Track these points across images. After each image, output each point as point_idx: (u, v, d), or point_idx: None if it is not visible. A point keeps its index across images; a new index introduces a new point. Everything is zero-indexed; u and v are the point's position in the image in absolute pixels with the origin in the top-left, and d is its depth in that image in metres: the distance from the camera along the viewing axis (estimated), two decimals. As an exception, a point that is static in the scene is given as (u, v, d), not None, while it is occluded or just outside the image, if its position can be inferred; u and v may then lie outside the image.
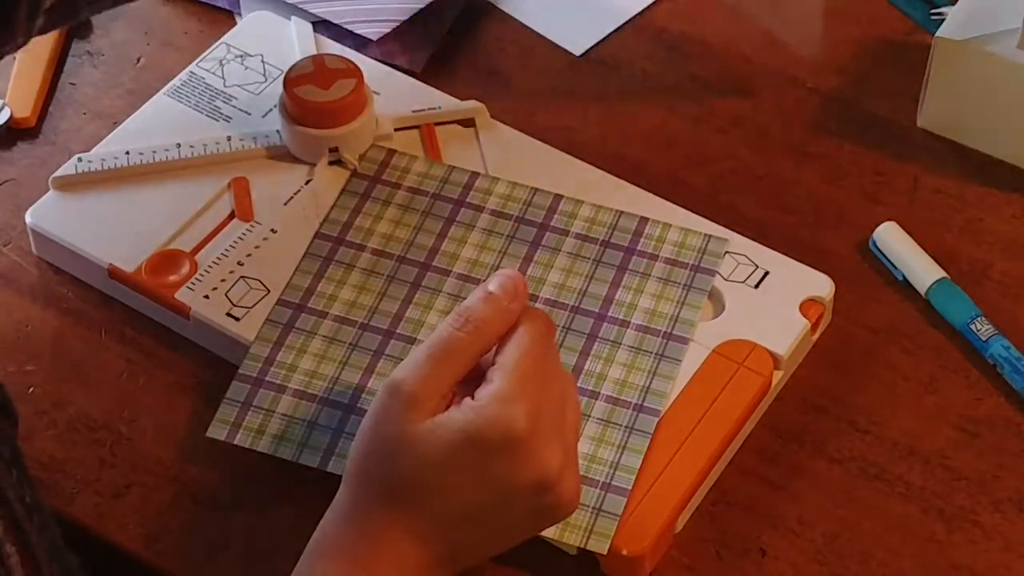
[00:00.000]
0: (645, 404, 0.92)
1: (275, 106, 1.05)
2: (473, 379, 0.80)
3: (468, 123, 1.06)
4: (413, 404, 0.78)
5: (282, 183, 1.03)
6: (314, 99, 1.02)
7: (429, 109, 1.06)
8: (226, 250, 1.00)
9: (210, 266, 0.99)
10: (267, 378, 0.93)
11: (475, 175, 1.03)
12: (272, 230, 1.01)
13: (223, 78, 1.08)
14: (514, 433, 0.77)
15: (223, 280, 0.98)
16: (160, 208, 1.02)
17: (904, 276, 1.01)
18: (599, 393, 0.92)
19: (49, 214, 1.02)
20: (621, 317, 0.96)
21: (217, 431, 0.91)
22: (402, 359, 0.93)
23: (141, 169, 1.04)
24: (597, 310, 0.96)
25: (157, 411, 0.96)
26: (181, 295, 0.98)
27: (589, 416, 0.91)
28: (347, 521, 0.79)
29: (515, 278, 0.82)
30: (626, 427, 0.91)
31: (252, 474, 0.93)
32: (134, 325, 1.00)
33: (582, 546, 0.87)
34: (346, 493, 0.81)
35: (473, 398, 0.79)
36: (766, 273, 0.98)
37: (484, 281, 0.83)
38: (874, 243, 1.02)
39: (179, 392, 0.97)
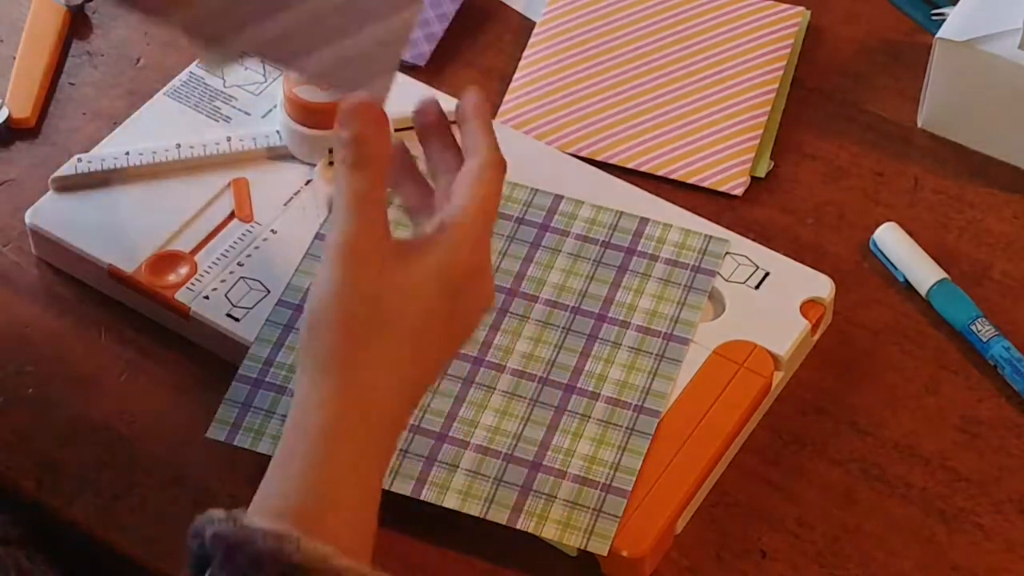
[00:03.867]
0: (645, 405, 0.92)
1: (275, 106, 1.05)
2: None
3: (468, 123, 1.06)
4: (373, 253, 0.77)
5: (282, 183, 1.03)
6: (314, 99, 1.02)
7: (429, 109, 1.06)
8: (226, 250, 1.00)
9: (210, 266, 0.99)
10: (267, 379, 0.93)
11: (475, 175, 1.03)
12: (272, 230, 1.01)
13: (223, 78, 1.08)
14: (484, 263, 0.81)
15: (223, 280, 0.98)
16: (160, 208, 1.02)
17: (904, 277, 1.01)
18: (599, 394, 0.92)
19: (49, 214, 1.02)
20: (621, 318, 0.96)
21: (217, 432, 0.91)
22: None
23: (141, 169, 1.04)
24: (597, 311, 0.96)
25: (157, 411, 0.96)
26: (181, 295, 0.98)
27: (589, 417, 0.91)
28: (328, 395, 0.75)
29: (359, 105, 0.79)
30: (626, 428, 0.91)
31: (252, 475, 0.92)
32: (134, 325, 1.00)
33: (582, 547, 0.87)
34: (319, 371, 0.76)
35: (441, 230, 0.79)
36: (766, 274, 0.98)
37: (338, 127, 0.80)
38: (874, 244, 1.02)
39: (179, 392, 0.97)
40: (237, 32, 0.78)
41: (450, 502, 0.88)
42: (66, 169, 1.03)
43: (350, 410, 0.75)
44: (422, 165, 0.88)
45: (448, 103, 1.06)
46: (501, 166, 0.83)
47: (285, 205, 1.02)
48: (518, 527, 0.88)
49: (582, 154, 1.07)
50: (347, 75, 0.79)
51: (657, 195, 1.02)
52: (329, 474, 0.74)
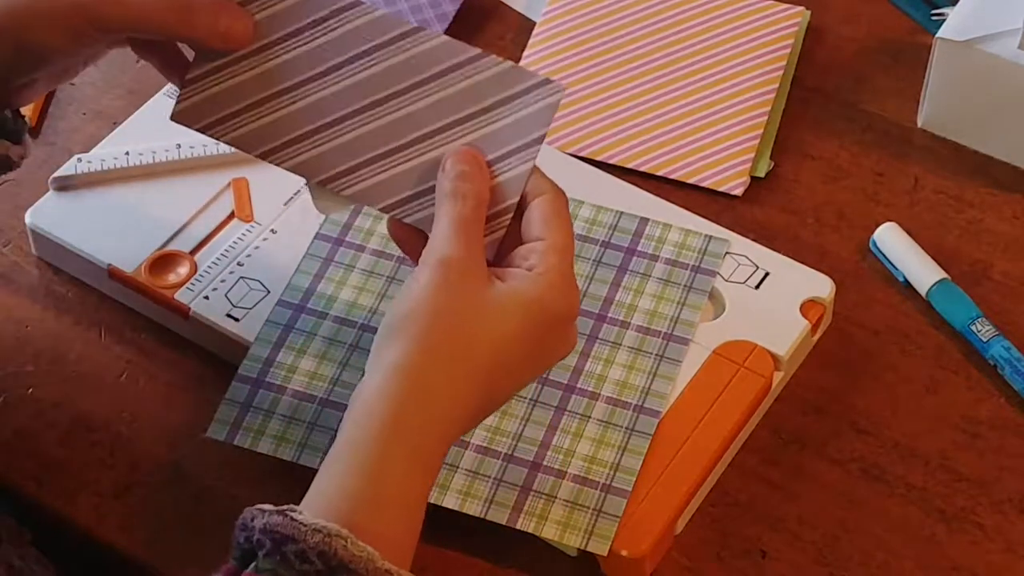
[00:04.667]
0: (645, 405, 0.92)
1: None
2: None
3: (468, 123, 1.06)
4: (469, 273, 0.79)
5: (282, 183, 1.03)
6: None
7: (429, 109, 1.06)
8: (226, 250, 1.00)
9: (210, 266, 0.99)
10: (267, 379, 0.93)
11: (475, 175, 1.03)
12: (272, 230, 1.01)
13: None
14: (573, 308, 0.81)
15: (223, 280, 0.98)
16: (160, 208, 1.02)
17: (904, 277, 1.01)
18: (599, 394, 0.92)
19: (49, 214, 1.02)
20: (621, 318, 0.96)
21: (217, 431, 0.91)
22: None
23: (141, 169, 1.04)
24: (597, 311, 0.96)
25: (157, 411, 0.96)
26: (181, 295, 0.98)
27: (589, 417, 0.91)
28: (400, 404, 0.76)
29: (466, 152, 0.83)
30: (626, 428, 0.91)
31: (252, 474, 0.93)
32: (134, 325, 1.00)
33: (582, 547, 0.87)
34: (396, 377, 0.77)
35: (530, 270, 0.80)
36: (766, 274, 0.98)
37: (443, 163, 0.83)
38: (874, 244, 1.02)
39: (179, 392, 0.97)
40: (349, 178, 0.86)
41: (450, 502, 0.88)
42: (66, 169, 1.03)
43: (412, 415, 0.76)
44: None
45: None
46: (566, 198, 0.84)
47: (285, 205, 1.02)
48: (518, 527, 0.88)
49: (582, 154, 1.07)
50: None
51: (657, 195, 1.02)
52: (382, 474, 0.74)
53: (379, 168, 0.85)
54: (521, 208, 0.83)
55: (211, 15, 0.86)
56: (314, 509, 0.73)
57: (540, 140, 0.83)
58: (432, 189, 0.83)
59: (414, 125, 0.85)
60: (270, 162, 0.86)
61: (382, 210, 0.85)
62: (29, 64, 0.87)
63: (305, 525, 0.71)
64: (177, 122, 0.88)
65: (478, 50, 0.84)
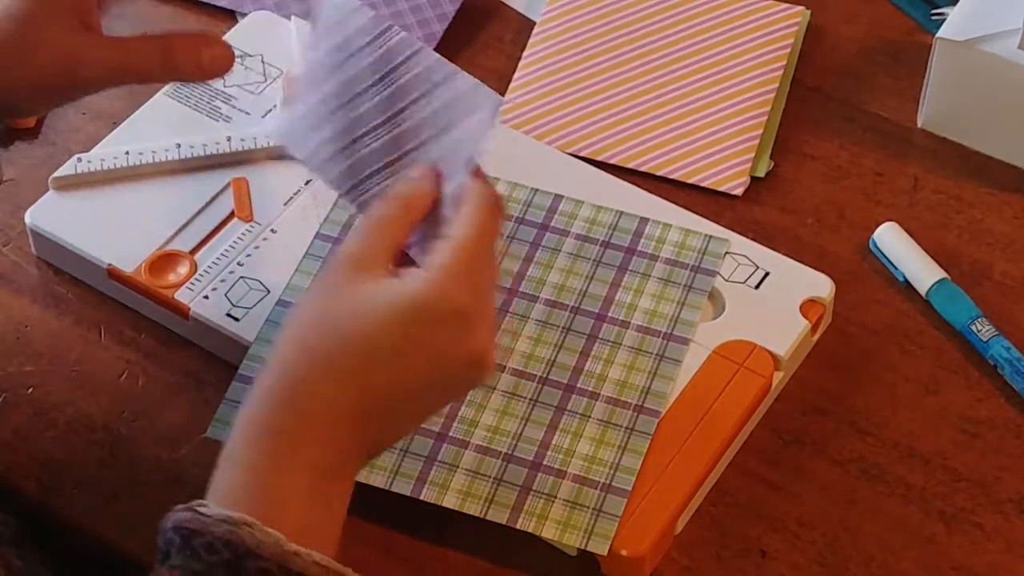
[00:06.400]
0: (645, 405, 0.92)
1: (275, 106, 1.05)
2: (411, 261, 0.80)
3: (468, 123, 1.06)
4: (358, 264, 0.77)
5: (282, 183, 1.03)
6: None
7: (429, 109, 1.06)
8: (226, 250, 1.00)
9: (210, 266, 0.99)
10: (267, 379, 0.93)
11: (475, 175, 1.03)
12: (272, 230, 1.01)
13: (223, 78, 1.08)
14: (460, 307, 0.76)
15: (223, 280, 0.98)
16: (160, 208, 1.02)
17: (904, 277, 1.01)
18: (599, 394, 0.92)
19: (49, 214, 1.02)
20: (621, 318, 0.96)
21: (217, 431, 0.91)
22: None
23: (141, 169, 1.04)
24: (597, 311, 0.96)
25: (157, 411, 0.96)
26: (181, 295, 0.98)
27: (589, 417, 0.91)
28: (277, 400, 0.76)
29: (431, 169, 0.82)
30: (626, 428, 0.91)
31: (252, 475, 0.93)
32: (134, 325, 1.00)
33: (582, 547, 0.87)
34: (278, 370, 0.77)
35: (427, 264, 0.77)
36: (766, 274, 0.98)
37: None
38: (874, 243, 1.02)
39: (179, 392, 0.97)
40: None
41: (450, 502, 0.88)
42: (66, 169, 1.03)
43: (285, 412, 0.76)
44: None
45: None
46: (492, 195, 0.81)
47: (285, 205, 1.02)
48: (518, 527, 0.88)
49: (582, 154, 1.07)
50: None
51: (657, 195, 1.02)
52: (269, 469, 0.75)
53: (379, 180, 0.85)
54: None
55: (192, 51, 0.85)
56: (219, 502, 0.74)
57: (484, 150, 0.81)
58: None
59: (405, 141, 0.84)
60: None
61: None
62: (6, 116, 0.87)
63: (210, 517, 0.72)
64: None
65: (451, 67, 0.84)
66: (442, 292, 0.76)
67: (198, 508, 0.73)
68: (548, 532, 0.87)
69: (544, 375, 0.93)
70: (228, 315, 0.97)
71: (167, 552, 0.73)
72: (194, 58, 0.85)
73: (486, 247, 0.79)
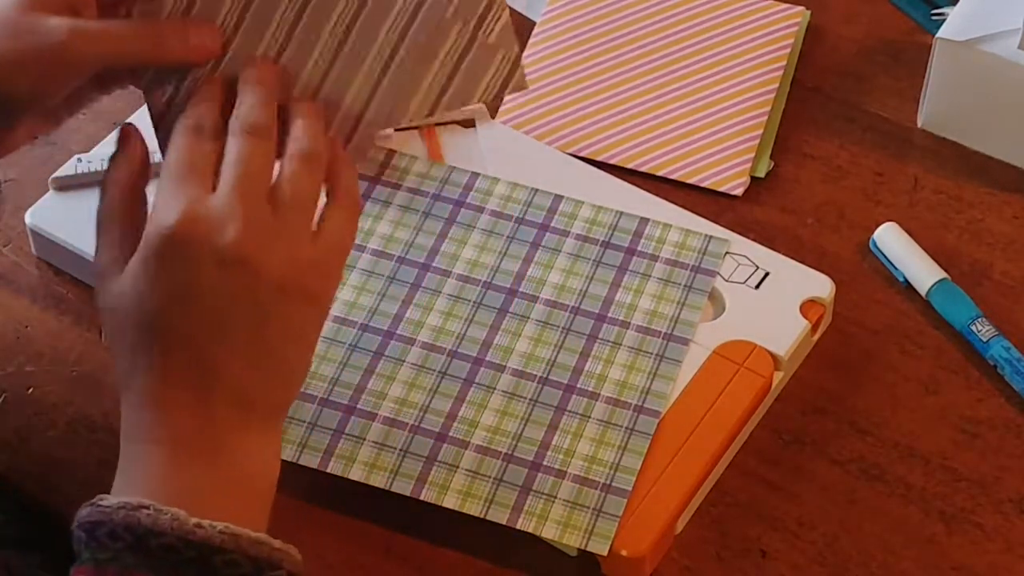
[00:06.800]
0: (645, 405, 0.92)
1: (275, 106, 1.05)
2: None
3: (468, 123, 1.06)
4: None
5: (282, 183, 1.03)
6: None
7: (429, 109, 1.06)
8: (226, 250, 1.00)
9: (210, 266, 0.99)
10: (267, 379, 0.93)
11: (475, 176, 1.03)
12: (272, 230, 1.01)
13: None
14: (169, 230, 0.75)
15: (223, 280, 0.98)
16: (160, 208, 1.02)
17: (904, 277, 1.01)
18: (599, 394, 0.92)
19: (49, 214, 1.02)
20: (621, 318, 0.96)
21: (217, 432, 0.91)
22: (402, 360, 0.93)
23: (141, 169, 1.03)
24: (597, 311, 0.96)
25: (157, 411, 0.96)
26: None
27: (589, 417, 0.91)
28: (128, 401, 0.77)
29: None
30: (626, 428, 0.91)
31: (252, 475, 0.93)
32: (134, 325, 1.00)
33: (582, 547, 0.87)
34: (123, 388, 0.78)
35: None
36: (766, 274, 0.98)
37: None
38: (874, 244, 1.02)
39: (179, 392, 0.97)
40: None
41: (450, 502, 0.88)
42: (66, 169, 1.03)
43: (121, 382, 0.77)
44: None
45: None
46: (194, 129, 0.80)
47: (285, 205, 1.02)
48: (518, 527, 0.88)
49: (582, 154, 1.07)
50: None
51: (657, 195, 1.03)
52: (128, 440, 0.76)
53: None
54: None
55: (181, 35, 0.86)
56: (118, 492, 0.75)
57: None
58: None
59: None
60: None
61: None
62: (3, 114, 0.87)
63: (109, 506, 0.73)
64: None
65: None
66: (154, 227, 0.76)
67: (99, 502, 0.74)
68: (548, 532, 0.87)
69: (544, 375, 0.93)
70: (228, 315, 0.97)
71: (79, 552, 0.74)
72: (183, 40, 0.86)
73: (194, 165, 0.78)
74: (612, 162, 1.08)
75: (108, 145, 1.05)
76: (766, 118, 1.09)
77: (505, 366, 0.94)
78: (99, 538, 0.73)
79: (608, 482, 0.89)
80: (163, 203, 0.77)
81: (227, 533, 0.72)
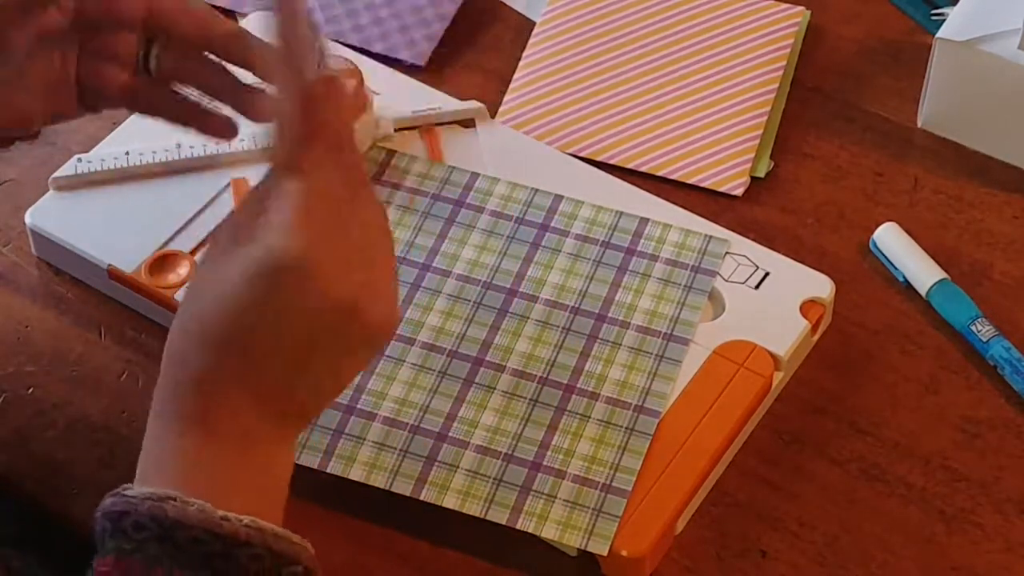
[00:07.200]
0: (645, 405, 0.92)
1: (275, 106, 1.05)
2: None
3: (468, 123, 1.06)
4: (222, 240, 0.76)
5: (282, 183, 1.03)
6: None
7: (429, 109, 1.06)
8: (226, 250, 1.00)
9: (210, 266, 0.99)
10: (267, 379, 0.93)
11: (475, 176, 1.03)
12: (272, 230, 1.01)
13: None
14: (289, 261, 0.73)
15: (223, 280, 0.98)
16: (160, 208, 1.02)
17: (904, 277, 1.01)
18: (599, 394, 0.92)
19: (49, 214, 1.02)
20: (621, 318, 0.96)
21: (217, 432, 0.91)
22: (402, 360, 0.93)
23: (141, 169, 1.04)
24: (597, 311, 0.96)
25: (157, 411, 0.96)
26: (181, 295, 0.97)
27: (589, 417, 0.91)
28: (174, 376, 0.76)
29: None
30: (626, 428, 0.91)
31: (252, 475, 0.93)
32: (134, 325, 1.00)
33: (582, 547, 0.87)
34: (175, 366, 0.76)
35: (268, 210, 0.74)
36: (766, 274, 0.98)
37: None
38: (874, 244, 1.02)
39: (179, 392, 0.97)
40: None
41: (450, 502, 0.88)
42: (66, 169, 1.03)
43: (172, 386, 0.76)
44: None
45: (447, 103, 1.07)
46: (330, 93, 0.76)
47: (285, 205, 1.02)
48: (518, 527, 0.88)
49: (582, 154, 1.07)
50: None
51: (657, 195, 1.03)
52: (166, 444, 0.75)
53: None
54: None
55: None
56: (142, 483, 0.74)
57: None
58: None
59: None
60: None
61: None
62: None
63: (135, 497, 0.72)
64: None
65: None
66: (267, 249, 0.73)
67: (124, 491, 0.73)
68: (548, 532, 0.87)
69: (544, 375, 0.93)
70: (228, 315, 0.97)
71: (102, 541, 0.74)
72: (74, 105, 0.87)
73: (331, 194, 0.75)
74: (612, 162, 1.08)
75: (108, 145, 1.05)
76: (766, 118, 1.09)
77: (505, 366, 0.94)
78: (124, 528, 0.72)
79: (608, 482, 0.89)
80: (292, 230, 0.73)
81: (252, 527, 0.72)
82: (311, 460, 0.90)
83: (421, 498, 0.89)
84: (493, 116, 1.08)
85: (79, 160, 1.04)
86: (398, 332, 0.95)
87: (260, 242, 0.73)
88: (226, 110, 0.92)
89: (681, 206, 1.02)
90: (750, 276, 0.98)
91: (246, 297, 0.73)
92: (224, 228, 0.76)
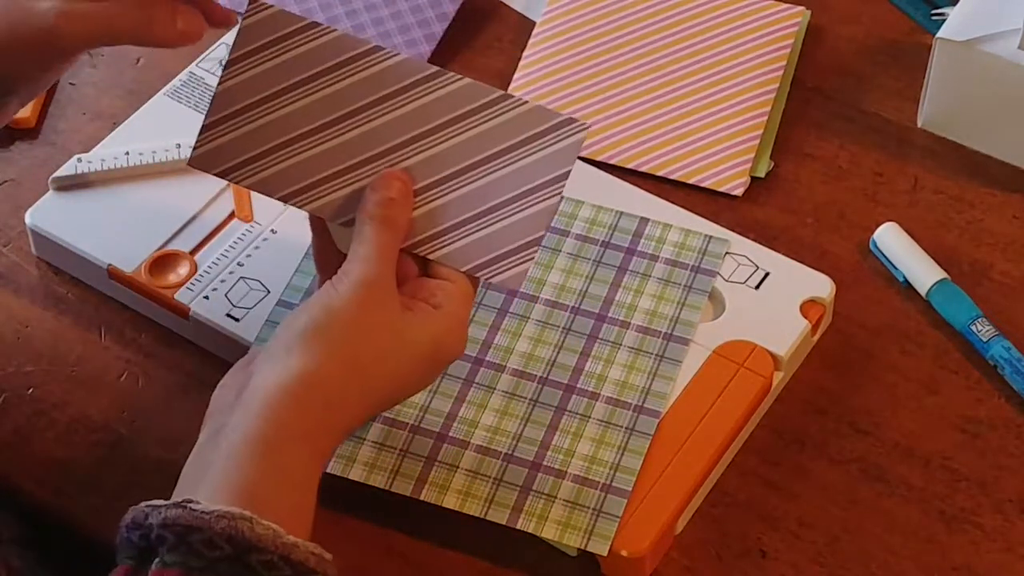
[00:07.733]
0: (645, 405, 0.92)
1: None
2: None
3: (468, 123, 1.06)
4: (388, 297, 0.81)
5: (282, 183, 1.03)
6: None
7: (429, 109, 1.06)
8: (226, 250, 1.00)
9: (210, 266, 0.99)
10: (267, 379, 0.93)
11: (475, 175, 1.03)
12: (272, 230, 1.01)
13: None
14: (459, 352, 0.84)
15: (223, 280, 0.98)
16: (160, 208, 1.02)
17: (904, 277, 1.01)
18: (599, 394, 0.92)
19: (49, 214, 1.02)
20: (621, 318, 0.96)
21: (217, 432, 0.91)
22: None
23: (141, 169, 1.04)
24: (597, 311, 0.96)
25: (157, 411, 0.96)
26: (181, 295, 0.98)
27: (589, 417, 0.91)
28: (255, 383, 0.78)
29: (394, 177, 0.85)
30: (626, 428, 0.91)
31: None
32: (134, 325, 1.00)
33: (582, 547, 0.87)
34: (305, 363, 0.79)
35: (436, 307, 0.83)
36: (766, 274, 0.98)
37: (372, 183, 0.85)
38: (874, 244, 1.02)
39: (179, 392, 0.97)
40: None
41: (450, 502, 0.88)
42: (66, 169, 1.04)
43: (319, 421, 0.78)
44: None
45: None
46: None
47: (285, 205, 1.02)
48: (518, 527, 0.88)
49: (582, 154, 1.07)
50: (487, 264, 0.85)
51: (657, 195, 1.03)
52: (285, 468, 0.76)
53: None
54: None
55: (169, 19, 0.88)
56: (211, 499, 0.74)
57: (565, 176, 0.85)
58: (460, 224, 0.85)
59: (439, 166, 0.85)
60: (292, 205, 0.86)
61: (408, 248, 0.85)
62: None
63: (208, 513, 0.72)
64: (195, 167, 0.87)
65: (501, 91, 0.86)
66: (457, 338, 0.83)
67: (191, 505, 0.73)
68: (548, 532, 0.87)
69: (544, 375, 0.93)
70: (228, 315, 0.97)
71: (147, 550, 0.73)
72: (170, 23, 0.87)
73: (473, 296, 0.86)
74: (612, 162, 1.08)
75: (108, 145, 1.05)
76: (766, 118, 1.09)
77: (505, 366, 0.94)
78: (192, 544, 0.72)
79: (608, 482, 0.89)
80: (455, 327, 0.83)
81: (315, 554, 0.73)
82: (311, 460, 0.90)
83: (421, 498, 0.89)
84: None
85: (79, 160, 1.04)
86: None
87: (427, 329, 0.81)
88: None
89: (681, 206, 1.02)
90: (750, 276, 0.98)
91: (410, 374, 0.82)
92: (364, 283, 0.81)
